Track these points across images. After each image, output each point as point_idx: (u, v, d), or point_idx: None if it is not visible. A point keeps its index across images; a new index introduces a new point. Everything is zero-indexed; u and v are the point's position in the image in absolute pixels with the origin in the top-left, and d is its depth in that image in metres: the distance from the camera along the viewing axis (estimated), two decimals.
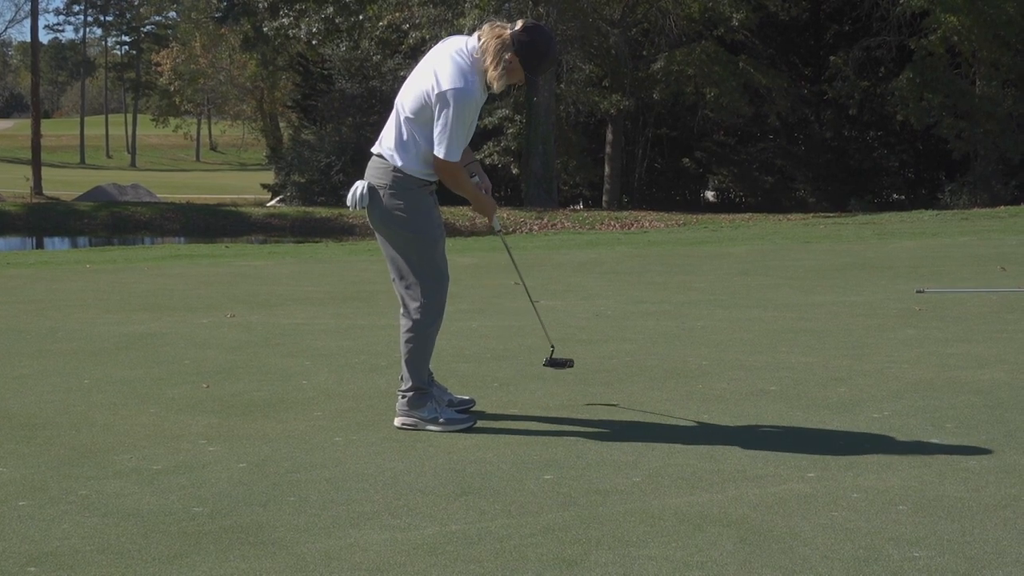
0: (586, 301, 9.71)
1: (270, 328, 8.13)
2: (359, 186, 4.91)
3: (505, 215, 30.74)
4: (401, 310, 5.01)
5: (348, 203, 4.93)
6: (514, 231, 28.63)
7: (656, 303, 9.55)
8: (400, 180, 4.80)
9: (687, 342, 7.36)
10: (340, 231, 31.30)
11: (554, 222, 30.86)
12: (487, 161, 37.07)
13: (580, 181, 40.28)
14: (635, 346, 7.20)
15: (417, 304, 4.89)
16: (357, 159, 35.08)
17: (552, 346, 5.47)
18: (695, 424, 5.12)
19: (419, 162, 4.80)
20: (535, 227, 30.26)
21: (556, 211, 33.01)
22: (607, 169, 37.83)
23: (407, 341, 4.94)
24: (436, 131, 4.71)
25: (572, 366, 5.49)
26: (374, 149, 5.00)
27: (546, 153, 34.79)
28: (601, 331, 7.91)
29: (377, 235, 5.01)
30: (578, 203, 41.55)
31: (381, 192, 4.84)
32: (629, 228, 28.77)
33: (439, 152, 4.72)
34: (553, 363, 5.39)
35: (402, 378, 5.09)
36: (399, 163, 4.80)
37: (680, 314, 8.79)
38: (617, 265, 13.47)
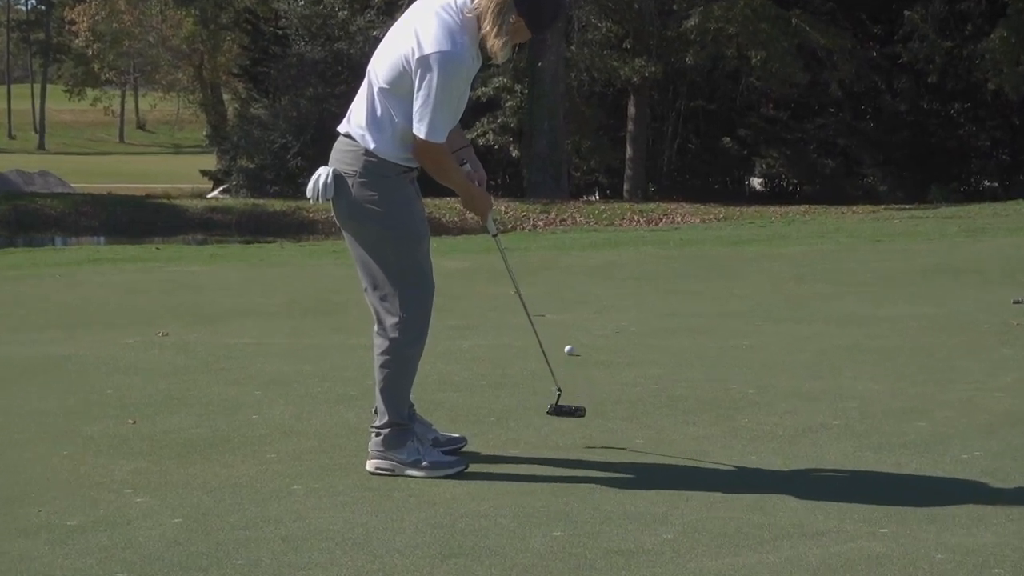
0: (603, 315, 9.85)
1: (212, 349, 8.21)
2: (322, 173, 4.92)
3: (502, 209, 30.76)
4: (375, 327, 5.01)
5: (308, 194, 4.94)
6: (513, 228, 28.68)
7: (690, 317, 9.69)
8: (373, 166, 4.86)
9: (728, 365, 7.43)
10: (298, 228, 31.39)
11: (563, 217, 30.98)
12: (480, 142, 37.04)
13: (596, 166, 40.41)
14: (664, 370, 7.27)
15: (395, 319, 4.95)
16: (319, 139, 35.20)
17: (559, 389, 5.48)
18: (739, 468, 5.15)
19: (396, 144, 4.86)
20: (540, 223, 30.35)
21: (566, 203, 33.15)
22: (629, 151, 37.96)
23: (383, 365, 4.99)
24: (416, 104, 4.78)
25: (583, 415, 5.55)
26: (341, 128, 4.99)
27: (553, 131, 34.94)
28: (622, 352, 7.99)
29: (345, 233, 5.04)
30: (593, 193, 41.63)
31: (350, 181, 4.89)
32: (656, 224, 28.89)
33: (420, 131, 4.78)
34: (559, 411, 5.49)
35: (376, 411, 5.14)
36: (371, 145, 4.86)
37: (720, 330, 8.90)
38: (641, 269, 13.62)
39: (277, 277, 13.29)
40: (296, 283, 12.58)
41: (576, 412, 5.51)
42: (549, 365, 5.49)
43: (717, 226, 24.08)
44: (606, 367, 7.40)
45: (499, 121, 38.45)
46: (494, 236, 5.26)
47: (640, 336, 8.73)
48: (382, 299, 4.95)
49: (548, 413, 5.51)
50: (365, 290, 5.01)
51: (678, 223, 28.63)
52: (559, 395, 5.46)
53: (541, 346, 5.48)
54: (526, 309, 5.49)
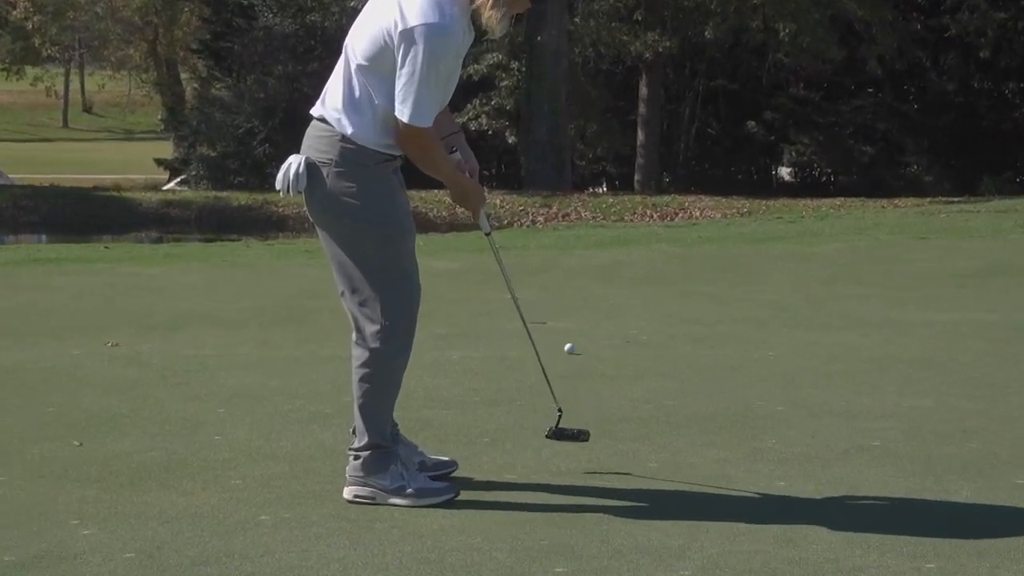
0: (611, 321, 9.89)
1: (168, 361, 8.20)
2: (293, 162, 4.92)
3: (497, 203, 30.75)
4: (353, 335, 5.01)
5: (278, 186, 4.96)
6: (510, 224, 28.63)
7: (709, 324, 9.70)
8: (351, 154, 4.87)
9: (752, 378, 7.42)
10: (266, 225, 31.28)
11: (567, 211, 30.95)
12: (471, 127, 36.92)
13: (603, 153, 40.31)
14: (680, 384, 7.27)
15: (376, 328, 4.95)
16: (290, 124, 34.98)
17: (559, 409, 5.45)
18: (765, 495, 5.14)
19: (377, 128, 4.86)
20: (540, 218, 30.32)
21: (569, 196, 33.15)
22: (640, 136, 37.87)
23: (362, 379, 4.99)
24: (399, 84, 4.78)
25: (587, 439, 5.54)
26: (314, 111, 4.99)
27: (555, 115, 34.86)
28: (633, 363, 8.00)
29: (319, 230, 5.05)
30: (600, 184, 41.56)
31: (324, 170, 4.89)
32: (671, 219, 28.92)
33: (403, 113, 4.79)
34: (560, 434, 5.46)
35: (355, 432, 5.13)
36: (349, 130, 4.87)
37: (742, 339, 8.91)
38: (655, 270, 13.72)
39: (242, 280, 13.29)
40: (264, 287, 12.59)
41: (579, 436, 5.47)
42: (548, 380, 5.46)
43: (740, 222, 24.06)
44: (614, 381, 7.38)
45: (493, 103, 38.39)
46: (487, 234, 5.25)
47: (652, 346, 8.70)
48: (361, 304, 4.94)
49: (547, 436, 5.49)
50: (342, 294, 5.01)
51: (696, 218, 28.60)
52: (560, 416, 5.44)
53: (539, 358, 5.45)
54: (522, 316, 5.47)
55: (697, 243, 17.23)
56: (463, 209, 5.18)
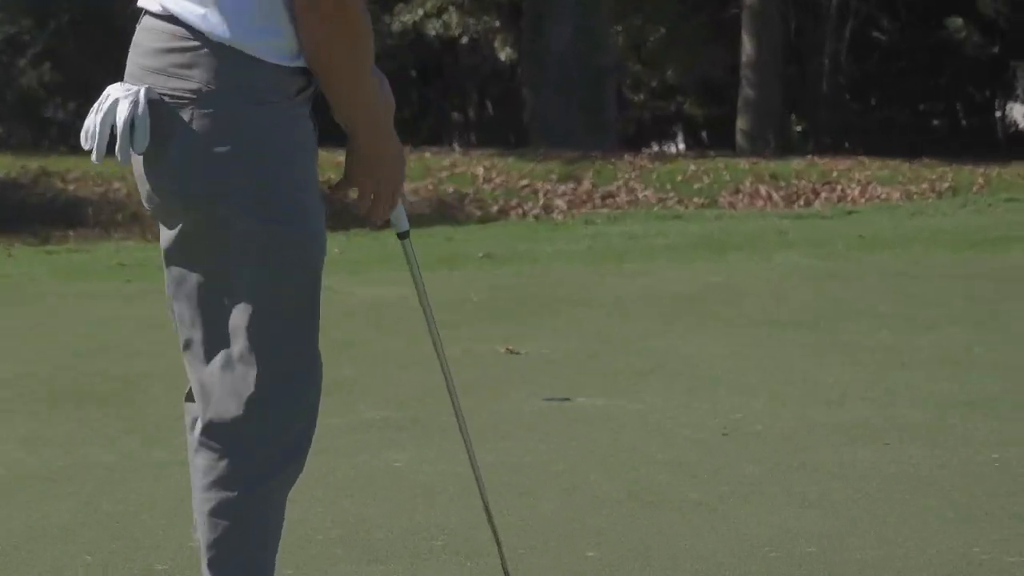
0: (696, 394, 7.73)
1: None
2: (121, 99, 3.73)
3: (479, 171, 23.00)
4: (198, 428, 3.83)
5: (86, 144, 3.75)
6: (501, 211, 21.73)
7: (885, 403, 7.29)
8: (242, 77, 3.78)
9: (979, 513, 5.39)
10: (46, 215, 23.97)
11: (609, 188, 21.92)
12: (429, 32, 26.35)
13: (676, 80, 27.65)
14: (840, 524, 5.23)
15: (255, 410, 3.77)
16: (86, 26, 26.58)
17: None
18: None
19: (270, 16, 3.72)
20: (559, 201, 21.54)
21: (614, 158, 22.47)
22: (748, 49, 25.07)
23: (218, 511, 3.87)
24: None
25: None
26: (146, 1, 3.77)
27: (587, 7, 23.62)
28: (738, 475, 5.96)
29: (166, 226, 3.86)
30: (670, 138, 29.63)
31: (187, 113, 3.78)
32: (807, 202, 20.71)
33: None
34: None
35: None
36: (227, 32, 3.74)
37: (959, 433, 6.54)
38: (775, 301, 10.88)
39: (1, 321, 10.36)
40: (41, 335, 9.79)
41: None
42: (485, 503, 4.37)
43: (938, 206, 18.25)
44: (701, 511, 5.38)
45: None
46: (402, 235, 4.12)
47: (774, 440, 6.45)
48: (229, 367, 3.78)
49: None
50: (187, 345, 3.84)
51: (854, 200, 20.82)
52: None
53: (473, 463, 4.31)
54: (450, 386, 4.28)
55: (858, 248, 13.50)
56: (357, 193, 3.72)
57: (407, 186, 21.23)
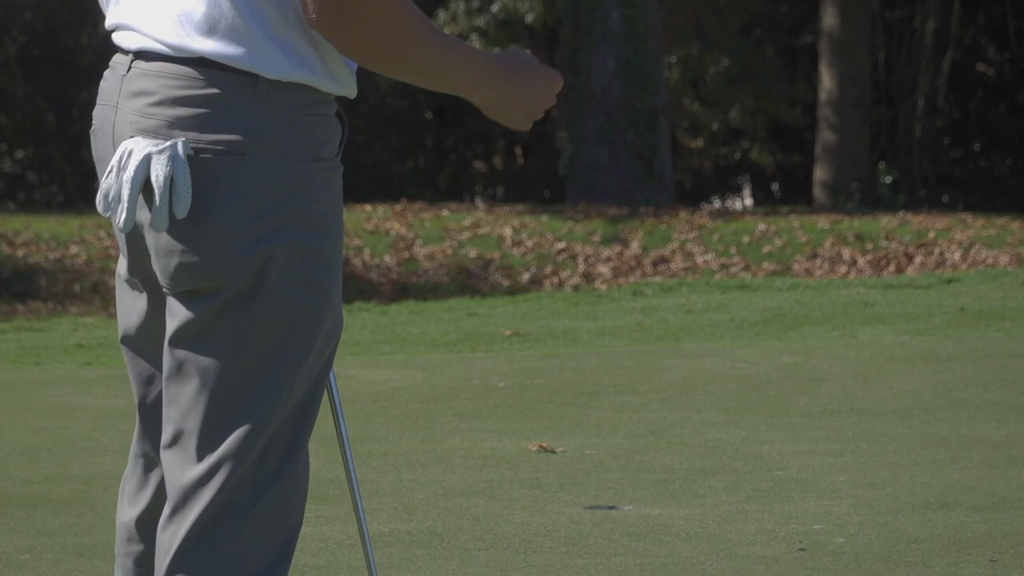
0: (768, 500, 7.21)
1: None
2: (158, 158, 3.25)
3: (507, 231, 23.37)
4: (132, 551, 3.30)
5: (102, 209, 3.28)
6: (534, 281, 21.88)
7: (989, 508, 6.98)
8: (296, 125, 3.36)
9: None
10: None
11: (661, 251, 21.33)
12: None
13: (741, 122, 25.71)
14: None
15: (239, 520, 3.18)
16: (48, 57, 22.95)
17: None
18: None
19: (306, 41, 3.26)
20: (601, 266, 21.23)
21: (668, 215, 21.55)
22: (827, 84, 23.62)
23: None
24: None
25: None
26: (140, 42, 3.28)
27: (634, 30, 21.80)
28: None
29: (179, 303, 3.37)
30: (735, 191, 27.90)
31: (225, 167, 3.33)
32: (900, 266, 19.75)
33: None
34: None
35: None
36: (269, 67, 3.28)
37: None
38: (861, 386, 10.22)
39: None
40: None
41: None
42: None
43: None
44: None
45: (494, 8, 24.23)
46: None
47: (861, 556, 5.95)
48: (215, 471, 3.19)
49: None
50: (174, 442, 3.27)
51: (954, 265, 19.72)
52: None
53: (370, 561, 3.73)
54: (356, 498, 3.67)
55: (960, 325, 12.76)
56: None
57: (421, 251, 20.56)
